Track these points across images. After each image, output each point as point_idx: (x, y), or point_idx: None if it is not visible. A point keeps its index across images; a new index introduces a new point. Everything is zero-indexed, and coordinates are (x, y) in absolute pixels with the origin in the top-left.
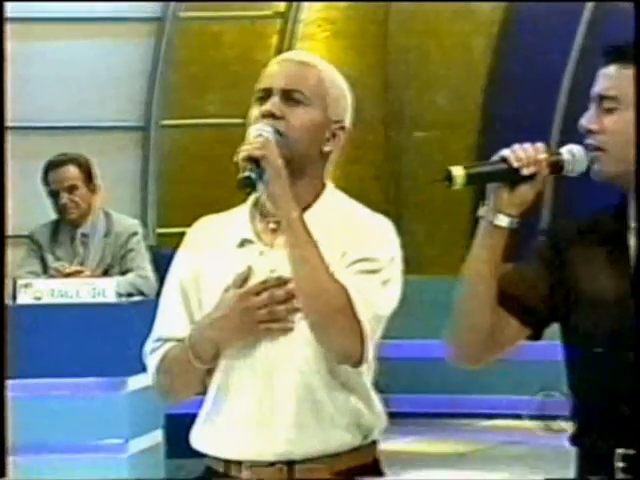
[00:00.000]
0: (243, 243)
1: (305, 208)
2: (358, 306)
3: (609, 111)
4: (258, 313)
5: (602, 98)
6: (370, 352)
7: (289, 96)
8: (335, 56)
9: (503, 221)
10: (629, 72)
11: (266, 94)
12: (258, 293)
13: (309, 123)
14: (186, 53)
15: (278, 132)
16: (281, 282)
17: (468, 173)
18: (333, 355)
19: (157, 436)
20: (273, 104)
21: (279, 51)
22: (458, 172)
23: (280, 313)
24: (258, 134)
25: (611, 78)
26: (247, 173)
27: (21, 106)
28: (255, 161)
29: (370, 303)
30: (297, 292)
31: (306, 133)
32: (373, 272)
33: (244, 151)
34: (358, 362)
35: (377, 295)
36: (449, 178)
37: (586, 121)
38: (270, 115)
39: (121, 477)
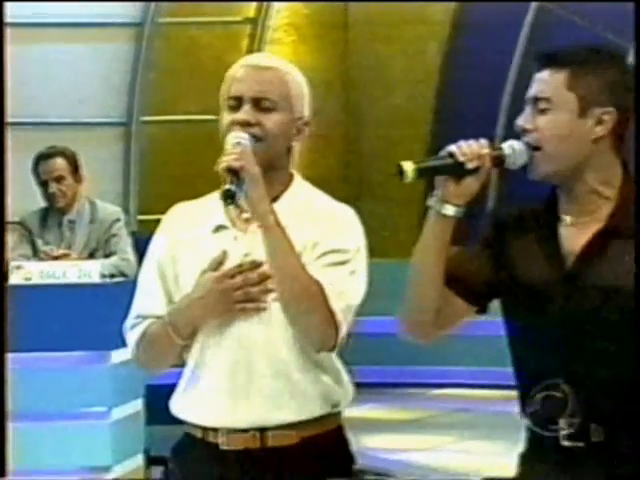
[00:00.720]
0: (218, 229)
1: (276, 198)
2: (332, 299)
3: (543, 112)
4: (234, 294)
5: (536, 100)
6: (343, 339)
7: (259, 103)
8: (300, 59)
9: (450, 210)
10: (561, 76)
11: (237, 102)
12: (233, 276)
13: (280, 126)
14: (164, 55)
15: (255, 137)
16: (254, 265)
17: (418, 168)
18: (310, 343)
19: (138, 405)
20: (246, 112)
21: (249, 54)
22: (409, 167)
23: (254, 294)
24: (237, 142)
25: (545, 82)
26: (227, 186)
27: (15, 104)
28: (234, 171)
29: (342, 295)
30: (277, 290)
31: (279, 135)
32: (342, 263)
33: (224, 162)
34: (332, 348)
35: (348, 286)
36: (401, 172)
37: (522, 121)
38: (246, 124)
39: (104, 442)
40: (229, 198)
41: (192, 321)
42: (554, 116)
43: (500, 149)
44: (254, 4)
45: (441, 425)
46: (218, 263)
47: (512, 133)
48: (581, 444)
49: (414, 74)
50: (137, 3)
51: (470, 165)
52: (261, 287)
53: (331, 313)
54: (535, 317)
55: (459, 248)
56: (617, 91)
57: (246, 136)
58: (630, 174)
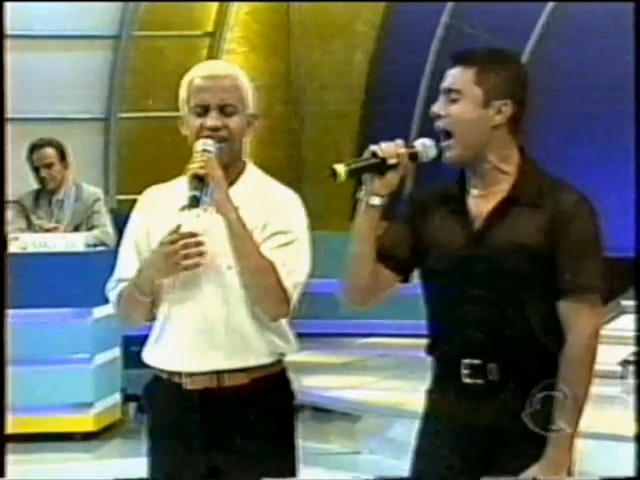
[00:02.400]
0: (184, 208)
1: (231, 183)
2: (283, 277)
3: (454, 101)
4: (175, 257)
5: (449, 91)
6: (293, 309)
7: (224, 109)
8: (251, 66)
9: (376, 201)
10: (470, 72)
11: (203, 109)
12: (174, 242)
13: (241, 125)
14: (138, 62)
15: (222, 139)
16: (190, 234)
17: (349, 169)
18: (265, 314)
19: (115, 352)
20: (214, 118)
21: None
22: (340, 169)
23: (191, 256)
24: (203, 149)
25: (457, 76)
26: (192, 193)
27: (14, 102)
28: (200, 177)
29: (292, 273)
30: (238, 272)
31: (240, 133)
32: (290, 243)
33: (191, 170)
34: (284, 317)
35: (296, 265)
36: (334, 174)
37: (437, 108)
38: (215, 129)
39: (87, 382)
40: (194, 202)
41: (148, 280)
42: (463, 105)
43: (413, 147)
44: (212, 20)
45: (367, 368)
46: (173, 232)
47: (426, 126)
48: (480, 381)
49: (345, 77)
50: (115, 19)
51: (391, 161)
52: (196, 249)
53: (283, 290)
54: (448, 275)
55: (386, 226)
56: (514, 86)
57: (211, 142)
58: (526, 155)
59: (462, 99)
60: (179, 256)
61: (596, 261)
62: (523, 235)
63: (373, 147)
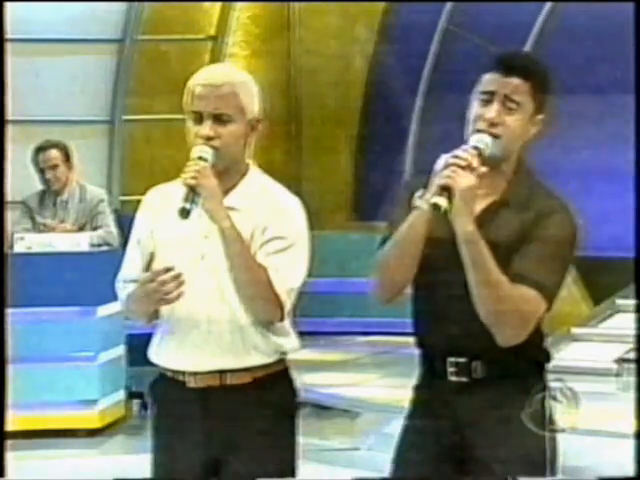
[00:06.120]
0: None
1: (234, 185)
2: (277, 283)
3: (511, 111)
4: (154, 295)
5: (507, 99)
6: (289, 313)
7: (218, 118)
8: (251, 69)
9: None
10: (528, 86)
11: (198, 117)
12: (152, 280)
13: (236, 134)
14: (141, 66)
15: (215, 148)
16: (166, 270)
17: (448, 197)
18: (259, 319)
19: (120, 350)
20: (207, 127)
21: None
22: (443, 202)
23: (169, 291)
24: (198, 156)
25: (517, 87)
26: (182, 205)
27: (20, 105)
28: (191, 187)
29: (286, 279)
30: (232, 278)
31: (235, 142)
32: (287, 248)
33: (183, 180)
34: (280, 321)
35: (291, 271)
36: (437, 207)
37: (493, 113)
38: (207, 138)
39: (93, 380)
40: (184, 214)
41: (138, 313)
42: (519, 117)
43: (477, 148)
44: (214, 24)
45: (366, 365)
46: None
47: (424, 129)
48: (465, 379)
49: (343, 80)
50: (118, 23)
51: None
52: (173, 284)
53: (276, 296)
54: (435, 271)
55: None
56: (550, 102)
57: (209, 150)
58: (521, 157)
59: (519, 111)
60: (160, 293)
61: (557, 266)
62: (508, 237)
63: (447, 158)
